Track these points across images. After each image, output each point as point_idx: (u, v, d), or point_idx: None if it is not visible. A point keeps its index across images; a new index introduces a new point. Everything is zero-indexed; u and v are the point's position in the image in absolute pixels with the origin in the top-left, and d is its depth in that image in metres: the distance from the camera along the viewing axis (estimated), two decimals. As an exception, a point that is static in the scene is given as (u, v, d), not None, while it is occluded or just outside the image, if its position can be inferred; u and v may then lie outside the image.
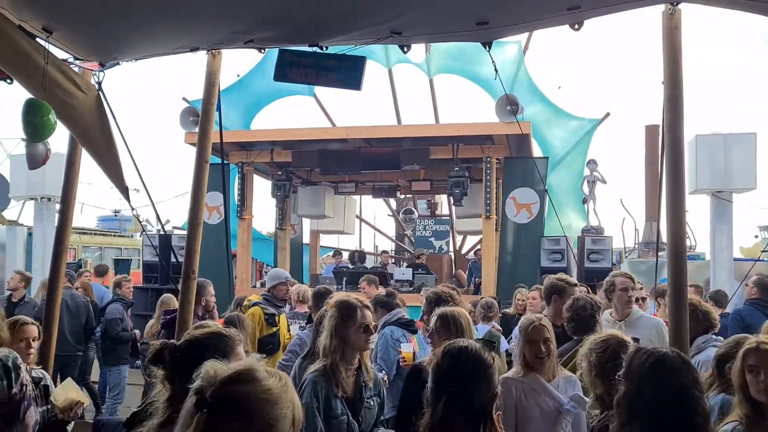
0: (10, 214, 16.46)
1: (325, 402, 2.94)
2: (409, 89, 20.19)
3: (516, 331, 4.17)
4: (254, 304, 5.52)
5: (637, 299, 4.60)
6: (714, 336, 4.06)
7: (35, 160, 3.60)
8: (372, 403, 3.18)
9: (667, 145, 3.42)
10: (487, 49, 3.71)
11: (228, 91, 12.17)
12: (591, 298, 4.08)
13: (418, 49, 12.73)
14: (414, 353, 4.29)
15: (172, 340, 2.17)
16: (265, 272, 16.47)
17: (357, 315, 3.07)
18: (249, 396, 1.35)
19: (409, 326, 4.71)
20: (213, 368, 1.41)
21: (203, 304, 5.18)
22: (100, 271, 10.04)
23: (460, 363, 2.16)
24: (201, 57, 4.27)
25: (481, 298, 6.90)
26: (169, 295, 6.32)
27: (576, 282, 4.67)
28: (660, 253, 6.05)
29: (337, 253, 15.70)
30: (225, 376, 1.38)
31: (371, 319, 3.13)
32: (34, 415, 3.19)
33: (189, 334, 2.21)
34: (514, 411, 3.30)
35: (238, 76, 12.70)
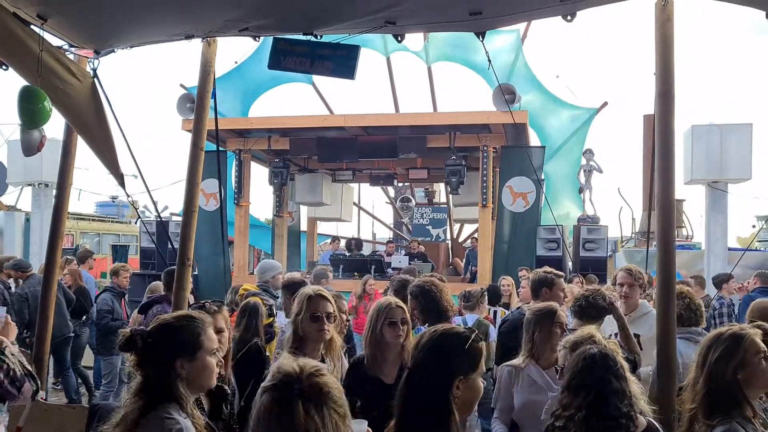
0: (7, 199, 16.45)
1: None
2: (407, 77, 20.16)
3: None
4: (253, 294, 5.44)
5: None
6: (701, 330, 4.11)
7: (30, 147, 3.62)
8: None
9: (657, 136, 3.43)
10: (481, 39, 3.72)
11: (226, 77, 12.17)
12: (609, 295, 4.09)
13: (416, 37, 12.72)
14: None
15: (141, 326, 2.21)
16: (263, 260, 16.49)
17: (305, 304, 3.02)
18: (332, 385, 1.57)
19: None
20: (291, 364, 1.59)
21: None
22: (82, 257, 9.41)
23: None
24: (198, 44, 4.28)
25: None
26: (158, 282, 6.26)
27: (562, 273, 4.69)
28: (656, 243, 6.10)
29: (335, 239, 15.72)
30: (310, 369, 1.57)
31: (326, 308, 3.03)
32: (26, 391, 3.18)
33: (158, 318, 2.23)
34: (509, 396, 3.42)
35: (236, 62, 12.72)
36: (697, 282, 8.58)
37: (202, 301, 2.81)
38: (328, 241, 16.25)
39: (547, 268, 4.44)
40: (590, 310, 3.97)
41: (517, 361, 3.51)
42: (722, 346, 2.39)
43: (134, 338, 2.08)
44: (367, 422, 2.83)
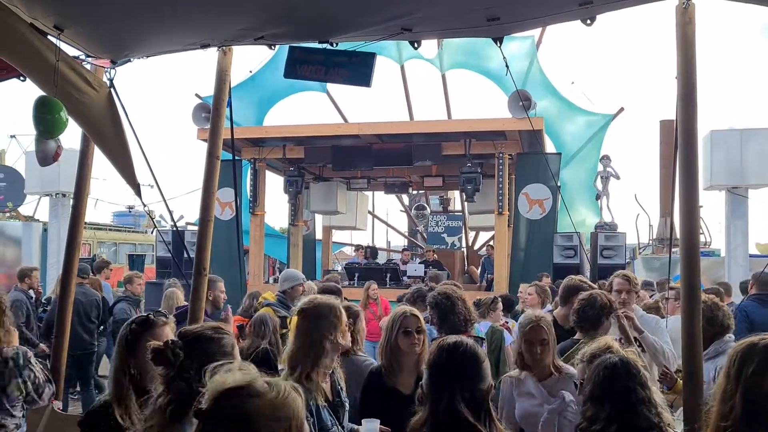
0: (25, 209, 16.63)
1: (315, 414, 2.71)
2: (421, 85, 20.02)
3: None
4: (267, 305, 5.45)
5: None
6: (729, 336, 4.02)
7: (46, 157, 3.61)
8: (347, 404, 3.06)
9: (680, 141, 3.37)
10: (498, 44, 3.67)
11: (241, 86, 12.23)
12: (602, 296, 4.02)
13: (430, 45, 12.71)
14: None
15: (174, 339, 2.05)
16: (279, 269, 16.48)
17: (333, 316, 2.85)
18: (246, 410, 1.37)
19: None
20: (220, 378, 1.42)
21: (211, 299, 5.11)
22: (98, 267, 9.38)
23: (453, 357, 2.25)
24: (213, 53, 4.27)
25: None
26: (173, 289, 6.25)
27: (591, 284, 4.62)
28: (674, 250, 6.00)
29: (359, 247, 15.63)
30: (225, 388, 1.39)
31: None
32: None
33: (191, 331, 2.14)
34: (504, 407, 3.37)
35: (251, 72, 12.77)
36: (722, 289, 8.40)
37: (147, 313, 2.59)
38: (344, 249, 16.21)
39: (581, 277, 4.39)
40: (582, 323, 3.92)
41: (515, 372, 3.47)
42: (757, 359, 2.29)
43: (165, 352, 1.95)
44: (379, 421, 2.80)
